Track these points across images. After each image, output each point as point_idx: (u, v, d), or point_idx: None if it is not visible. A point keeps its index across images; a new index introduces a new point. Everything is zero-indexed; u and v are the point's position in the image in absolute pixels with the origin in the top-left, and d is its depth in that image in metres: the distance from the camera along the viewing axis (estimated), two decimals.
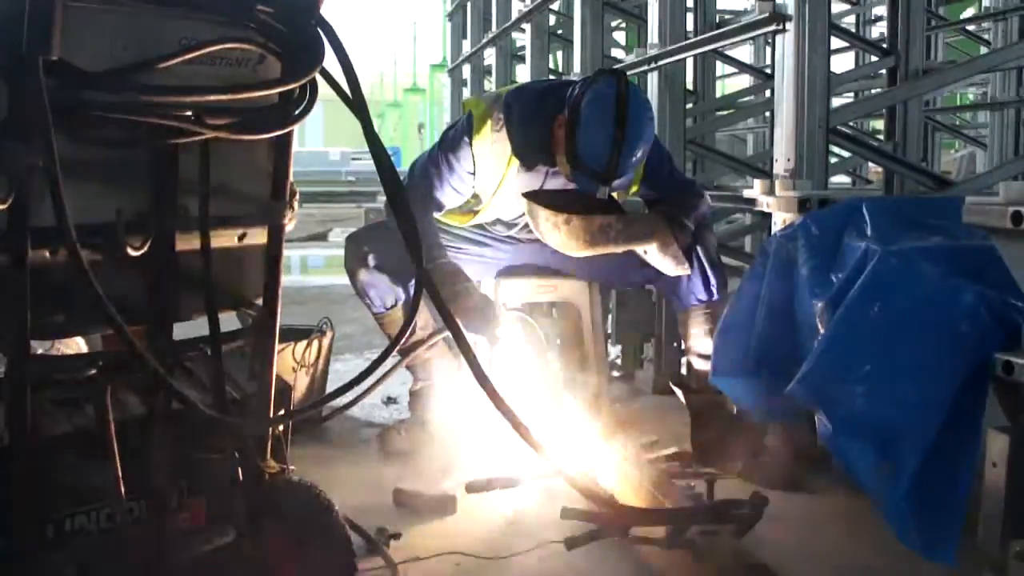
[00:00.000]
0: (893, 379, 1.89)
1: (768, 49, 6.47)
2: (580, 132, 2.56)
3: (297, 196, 1.63)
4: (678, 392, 2.91)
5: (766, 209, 2.83)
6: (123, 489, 1.46)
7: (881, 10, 7.25)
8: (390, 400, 3.47)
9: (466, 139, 2.77)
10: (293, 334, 3.15)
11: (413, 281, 2.73)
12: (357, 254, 2.90)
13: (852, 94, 6.65)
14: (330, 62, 1.53)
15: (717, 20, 5.34)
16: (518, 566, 2.07)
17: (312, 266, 9.37)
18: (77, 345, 2.34)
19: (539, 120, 2.70)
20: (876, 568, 2.04)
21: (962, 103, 10.19)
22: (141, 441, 1.53)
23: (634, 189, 2.85)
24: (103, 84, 1.32)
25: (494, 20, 7.42)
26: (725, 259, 3.12)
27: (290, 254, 7.38)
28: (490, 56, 7.89)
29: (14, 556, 1.35)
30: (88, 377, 1.49)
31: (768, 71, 5.11)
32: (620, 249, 2.69)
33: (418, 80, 30.24)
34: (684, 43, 3.94)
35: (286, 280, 1.82)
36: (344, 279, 2.98)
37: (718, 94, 5.93)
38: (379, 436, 2.96)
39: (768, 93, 4.89)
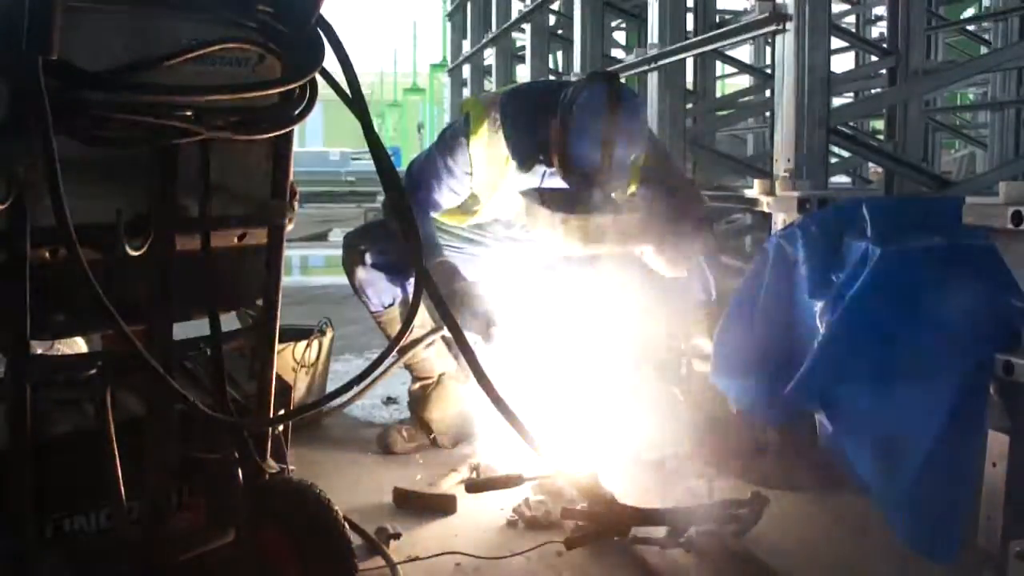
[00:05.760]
0: (893, 379, 1.89)
1: (768, 49, 6.47)
2: (571, 135, 2.57)
3: (297, 196, 1.63)
4: (677, 392, 2.91)
5: (766, 209, 2.83)
6: (122, 489, 1.46)
7: (881, 10, 7.25)
8: (390, 400, 3.47)
9: (463, 139, 2.78)
10: (293, 334, 3.14)
11: (410, 280, 2.74)
12: (355, 253, 2.90)
13: (852, 94, 6.65)
14: (330, 62, 1.53)
15: (717, 20, 5.34)
16: (518, 566, 2.07)
17: (312, 266, 9.37)
18: (77, 345, 2.34)
19: (535, 121, 2.70)
20: (876, 568, 2.03)
21: (962, 103, 10.19)
22: (141, 441, 1.53)
23: (632, 189, 2.85)
24: (103, 84, 1.32)
25: (494, 20, 7.43)
26: (725, 259, 3.12)
27: (290, 254, 7.33)
28: (490, 56, 7.89)
29: (14, 556, 1.35)
30: (88, 377, 1.49)
31: (768, 71, 5.11)
32: (616, 249, 2.69)
33: (418, 80, 30.25)
34: (684, 43, 3.95)
35: (286, 280, 1.82)
36: (344, 279, 2.99)
37: (718, 94, 5.93)
38: (379, 436, 2.96)
39: (768, 93, 4.89)
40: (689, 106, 4.73)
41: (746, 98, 6.39)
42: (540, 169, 2.79)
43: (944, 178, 3.85)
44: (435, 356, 2.99)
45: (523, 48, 6.83)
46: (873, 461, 1.93)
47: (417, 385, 3.03)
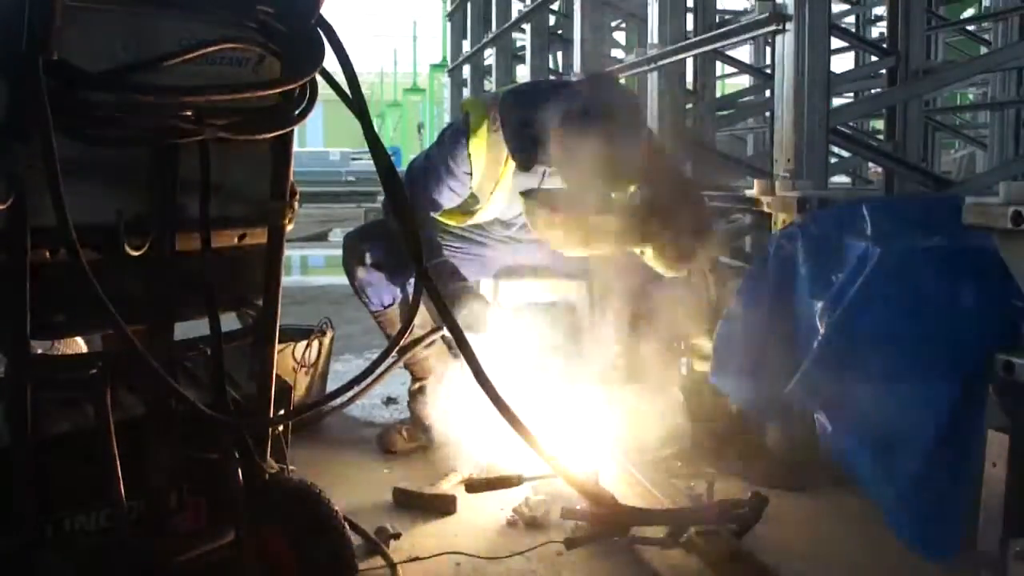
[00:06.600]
0: (893, 379, 1.89)
1: (768, 49, 6.47)
2: (570, 135, 2.57)
3: (297, 196, 1.63)
4: (678, 392, 2.90)
5: (766, 209, 2.83)
6: (123, 489, 1.46)
7: (881, 10, 7.25)
8: (390, 400, 3.47)
9: (463, 139, 2.78)
10: (293, 334, 3.14)
11: (410, 280, 2.74)
12: (355, 252, 2.90)
13: (852, 94, 6.65)
14: (330, 62, 1.54)
15: (717, 20, 5.33)
16: (518, 566, 2.07)
17: (312, 266, 9.37)
18: (77, 345, 2.34)
19: (535, 121, 2.70)
20: (876, 568, 2.04)
21: (962, 103, 10.18)
22: (141, 441, 1.53)
23: (632, 189, 2.85)
24: (103, 84, 1.32)
25: (494, 20, 7.42)
26: (725, 259, 3.12)
27: (290, 254, 7.34)
28: (490, 56, 7.89)
29: (14, 555, 1.35)
30: (88, 377, 1.49)
31: (768, 71, 5.10)
32: (616, 249, 2.69)
33: (418, 80, 30.23)
34: (684, 43, 3.94)
35: (286, 280, 1.82)
36: (344, 279, 2.99)
37: (718, 94, 5.93)
38: (379, 436, 2.96)
39: (768, 93, 4.88)
40: (689, 106, 4.73)
41: (746, 98, 6.38)
42: (540, 169, 2.79)
43: (944, 178, 3.85)
44: (435, 356, 2.99)
45: (523, 48, 6.83)
46: (873, 461, 1.93)
47: (417, 385, 3.04)
